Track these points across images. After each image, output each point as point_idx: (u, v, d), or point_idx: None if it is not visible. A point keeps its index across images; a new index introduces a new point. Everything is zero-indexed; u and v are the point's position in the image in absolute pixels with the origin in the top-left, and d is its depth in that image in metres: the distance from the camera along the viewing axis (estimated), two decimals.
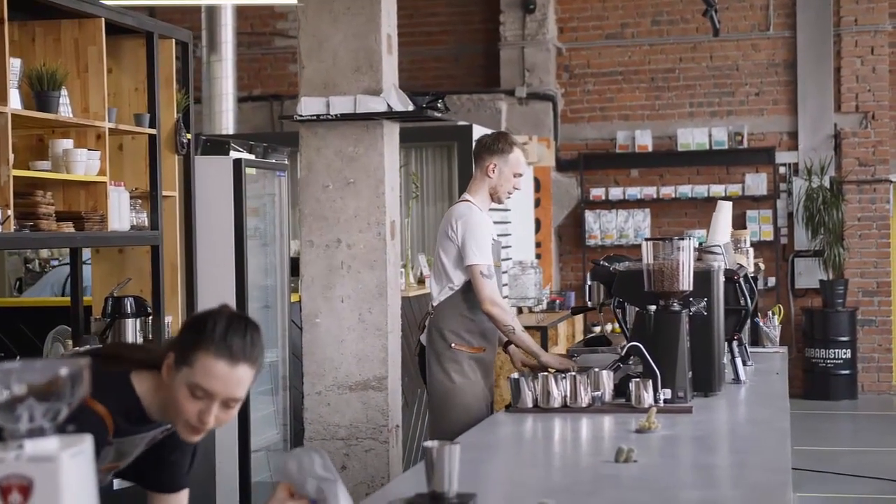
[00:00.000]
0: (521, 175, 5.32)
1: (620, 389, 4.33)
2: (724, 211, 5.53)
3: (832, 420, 11.46)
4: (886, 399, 12.37)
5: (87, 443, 1.77)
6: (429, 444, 2.70)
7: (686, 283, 4.36)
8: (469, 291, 5.15)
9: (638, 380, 4.20)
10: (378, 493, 2.94)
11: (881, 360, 12.54)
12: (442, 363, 5.18)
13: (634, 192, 12.78)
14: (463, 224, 5.12)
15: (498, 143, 5.29)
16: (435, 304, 5.27)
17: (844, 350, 12.16)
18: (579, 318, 11.36)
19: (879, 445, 10.06)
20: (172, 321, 5.77)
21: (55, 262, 8.57)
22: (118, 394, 2.64)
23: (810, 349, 12.27)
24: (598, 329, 12.14)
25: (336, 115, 5.72)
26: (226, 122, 10.57)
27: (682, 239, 4.40)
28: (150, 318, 5.53)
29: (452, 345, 5.17)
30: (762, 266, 9.03)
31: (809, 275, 12.50)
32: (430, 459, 2.70)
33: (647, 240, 4.44)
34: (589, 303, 5.13)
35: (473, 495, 2.75)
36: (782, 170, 12.65)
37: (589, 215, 12.86)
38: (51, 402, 1.75)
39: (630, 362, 4.40)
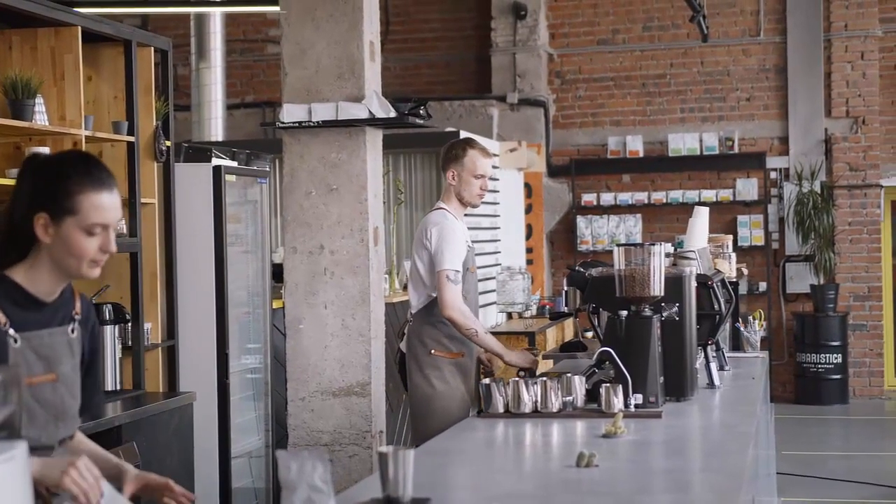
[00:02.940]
0: (482, 176, 5.33)
1: (593, 395, 4.34)
2: (701, 216, 5.55)
3: (823, 425, 11.46)
4: (877, 403, 12.37)
5: (19, 449, 1.79)
6: (383, 449, 2.72)
7: (657, 288, 4.38)
8: None
9: (608, 385, 4.22)
10: (337, 497, 2.95)
11: (872, 365, 12.55)
12: (422, 369, 5.22)
13: (626, 197, 12.79)
14: (437, 231, 5.19)
15: (452, 150, 5.36)
16: (413, 311, 5.33)
17: (835, 355, 12.17)
18: (569, 324, 11.37)
19: (870, 450, 10.07)
20: (151, 328, 5.79)
21: None
22: None
23: (801, 354, 12.28)
24: (590, 335, 12.15)
25: (318, 122, 5.74)
26: (214, 129, 10.58)
27: (654, 244, 4.42)
28: (129, 325, 5.54)
29: (432, 351, 5.22)
30: (745, 271, 9.03)
31: (800, 279, 12.52)
32: (384, 464, 2.71)
33: (618, 245, 4.45)
34: (565, 308, 5.15)
35: (428, 500, 2.77)
36: (773, 175, 12.67)
37: (581, 221, 12.87)
38: None
39: (604, 367, 4.41)
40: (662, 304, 4.46)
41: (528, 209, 12.24)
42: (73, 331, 2.79)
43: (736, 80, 12.78)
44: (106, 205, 2.67)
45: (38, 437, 2.65)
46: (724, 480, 3.08)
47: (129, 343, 5.56)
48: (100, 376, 2.89)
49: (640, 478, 3.28)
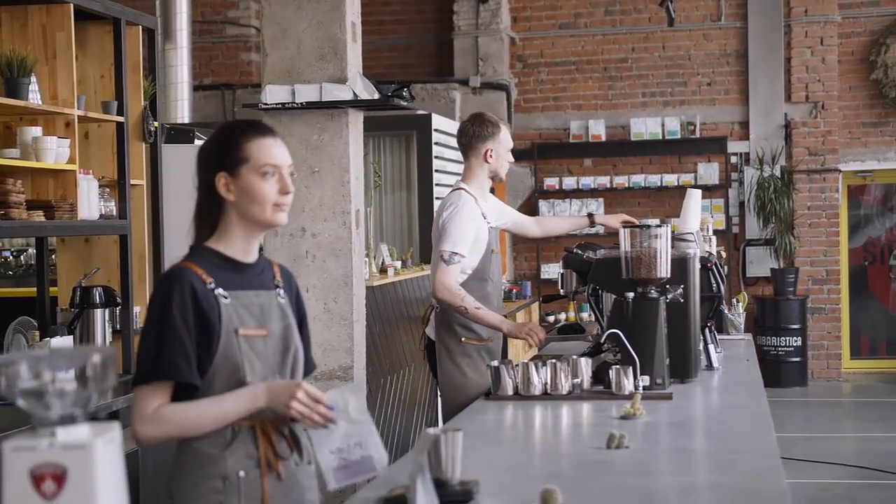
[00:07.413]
0: (511, 149, 5.38)
1: (597, 377, 4.34)
2: (694, 198, 5.56)
3: (783, 407, 11.57)
4: (836, 385, 12.53)
5: (116, 430, 1.74)
6: (432, 430, 2.70)
7: (663, 270, 4.38)
8: (474, 283, 5.08)
9: (618, 367, 4.21)
10: (379, 478, 2.92)
11: (830, 348, 12.70)
12: (453, 357, 5.10)
13: (588, 181, 12.83)
14: (449, 212, 5.11)
15: (487, 128, 5.28)
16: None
17: (795, 338, 12.31)
18: (535, 308, 11.40)
19: (830, 431, 10.20)
20: (141, 311, 5.71)
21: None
22: (196, 254, 2.87)
23: (761, 337, 12.39)
24: (551, 318, 12.20)
25: (302, 104, 5.68)
26: (181, 110, 10.43)
27: (660, 226, 4.42)
28: (119, 308, 5.46)
29: (463, 339, 5.10)
30: (724, 253, 9.11)
31: (760, 263, 12.64)
32: (434, 446, 2.69)
33: (624, 226, 4.44)
34: (561, 291, 5.12)
35: (476, 482, 2.75)
36: (734, 159, 12.76)
37: (543, 205, 12.89)
38: (81, 389, 1.73)
39: (607, 349, 4.40)
40: (667, 286, 4.46)
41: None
42: (280, 296, 2.92)
43: (697, 64, 12.85)
44: (272, 147, 2.85)
45: None
46: (762, 460, 3.08)
47: (119, 327, 5.47)
48: (310, 337, 3.04)
49: (674, 459, 3.28)
